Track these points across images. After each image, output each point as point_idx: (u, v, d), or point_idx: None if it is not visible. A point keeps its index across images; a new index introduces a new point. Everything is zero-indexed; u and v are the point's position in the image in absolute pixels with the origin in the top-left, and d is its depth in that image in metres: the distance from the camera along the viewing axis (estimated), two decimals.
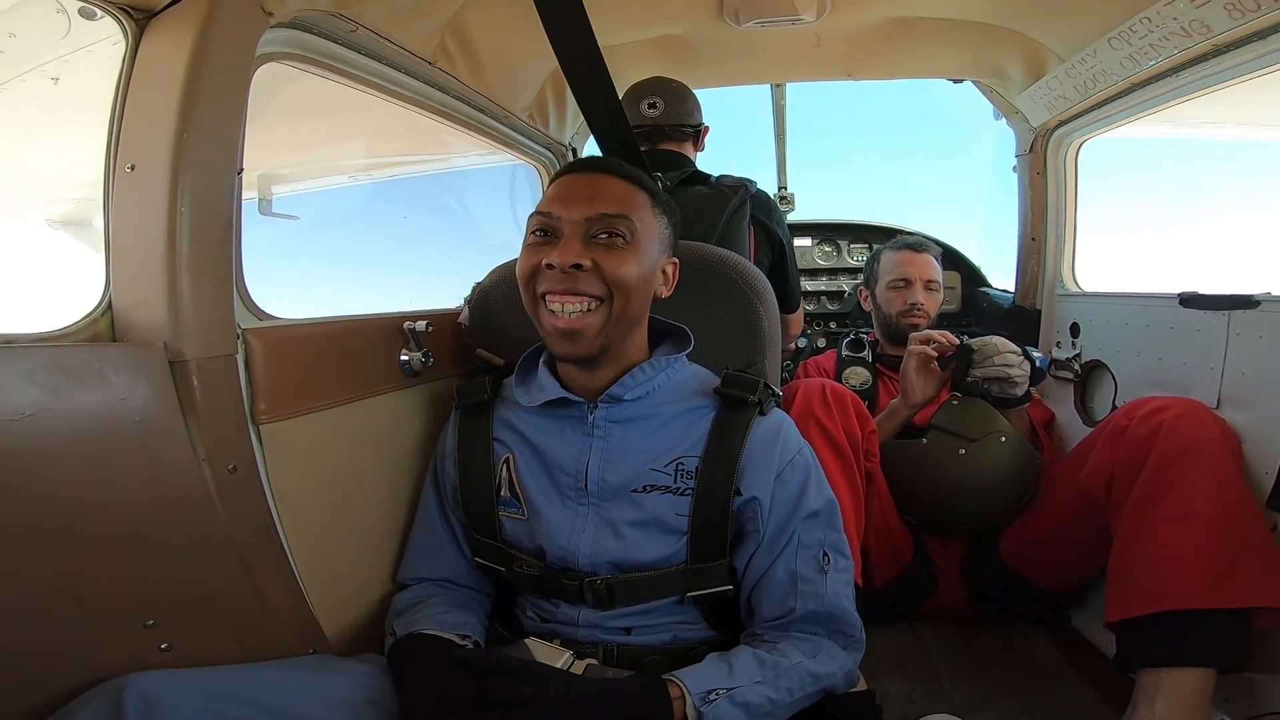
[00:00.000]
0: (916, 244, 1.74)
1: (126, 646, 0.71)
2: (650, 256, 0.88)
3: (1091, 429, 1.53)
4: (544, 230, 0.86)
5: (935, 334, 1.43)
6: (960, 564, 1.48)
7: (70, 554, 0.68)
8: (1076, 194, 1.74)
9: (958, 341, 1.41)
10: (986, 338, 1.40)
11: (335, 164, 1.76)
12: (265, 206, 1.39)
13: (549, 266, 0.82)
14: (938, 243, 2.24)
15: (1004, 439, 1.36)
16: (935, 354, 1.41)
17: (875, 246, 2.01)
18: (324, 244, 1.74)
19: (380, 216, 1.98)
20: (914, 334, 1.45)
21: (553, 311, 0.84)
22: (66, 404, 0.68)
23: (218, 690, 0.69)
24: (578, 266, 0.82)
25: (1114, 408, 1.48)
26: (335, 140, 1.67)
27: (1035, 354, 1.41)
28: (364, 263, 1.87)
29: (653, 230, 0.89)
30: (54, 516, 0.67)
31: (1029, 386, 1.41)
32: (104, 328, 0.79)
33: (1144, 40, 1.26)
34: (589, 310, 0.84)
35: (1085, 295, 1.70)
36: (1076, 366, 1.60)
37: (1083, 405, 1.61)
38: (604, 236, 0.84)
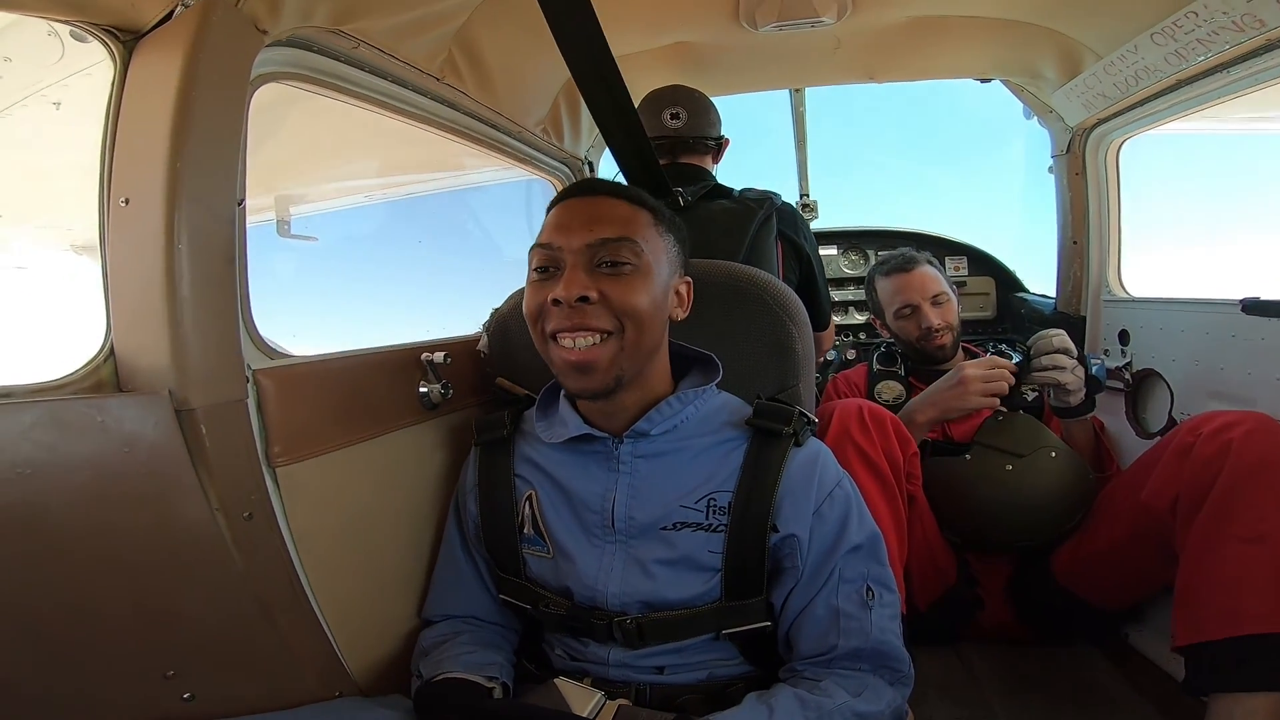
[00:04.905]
0: (903, 262, 1.62)
1: (149, 700, 0.71)
2: (660, 280, 0.83)
3: (1145, 440, 1.45)
4: (547, 265, 0.82)
5: (997, 380, 1.30)
6: (1007, 583, 1.41)
7: (83, 611, 0.66)
8: (1119, 194, 1.66)
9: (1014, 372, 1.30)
10: (1043, 331, 1.31)
11: (351, 184, 1.74)
12: (284, 228, 1.36)
13: (555, 303, 0.78)
14: (956, 244, 2.14)
15: (1054, 454, 1.29)
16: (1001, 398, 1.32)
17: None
18: (339, 267, 1.72)
19: (397, 236, 1.96)
20: (983, 378, 1.31)
21: (564, 346, 0.80)
22: (67, 459, 0.65)
23: None
24: (584, 299, 0.77)
25: (1170, 419, 1.40)
26: (350, 160, 1.64)
27: (1093, 361, 1.32)
28: (378, 283, 1.85)
29: (660, 250, 0.84)
30: (60, 575, 0.64)
31: (1085, 395, 1.32)
32: (107, 374, 0.74)
33: (1190, 35, 1.19)
34: (600, 342, 0.79)
35: (1134, 301, 1.62)
36: (1127, 375, 1.52)
37: (1135, 416, 1.53)
38: (609, 265, 0.79)
